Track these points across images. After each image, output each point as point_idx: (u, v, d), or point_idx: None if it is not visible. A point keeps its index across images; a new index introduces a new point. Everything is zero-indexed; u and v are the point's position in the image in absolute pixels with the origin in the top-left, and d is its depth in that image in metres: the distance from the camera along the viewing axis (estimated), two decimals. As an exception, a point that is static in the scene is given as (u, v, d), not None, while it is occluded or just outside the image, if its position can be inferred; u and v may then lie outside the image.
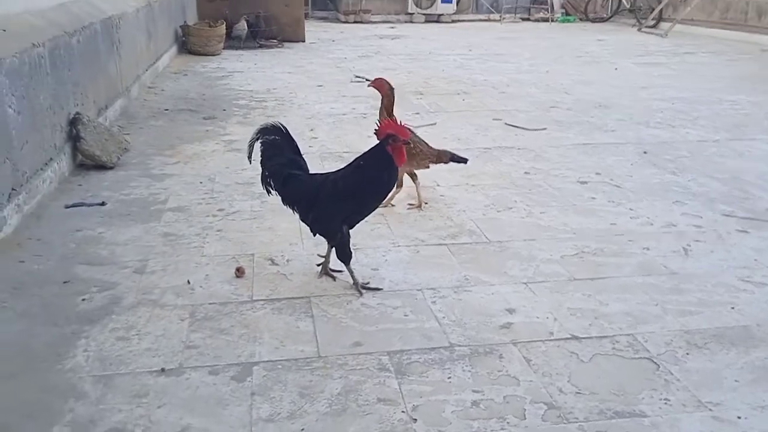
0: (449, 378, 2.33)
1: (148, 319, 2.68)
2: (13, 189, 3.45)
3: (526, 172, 4.51)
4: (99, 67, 5.22)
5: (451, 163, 3.87)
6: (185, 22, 9.64)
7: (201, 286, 2.94)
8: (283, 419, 2.11)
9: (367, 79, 7.72)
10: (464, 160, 3.83)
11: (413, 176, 3.85)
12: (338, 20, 14.85)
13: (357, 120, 5.82)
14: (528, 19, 15.52)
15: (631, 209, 3.86)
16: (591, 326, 2.65)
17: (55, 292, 2.88)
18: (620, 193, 4.12)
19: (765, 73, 8.51)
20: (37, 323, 2.64)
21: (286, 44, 10.54)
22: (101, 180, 4.24)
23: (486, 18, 15.41)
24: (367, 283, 2.98)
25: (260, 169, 3.00)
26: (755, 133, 5.54)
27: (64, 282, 2.95)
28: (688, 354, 2.48)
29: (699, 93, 7.14)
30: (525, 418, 2.13)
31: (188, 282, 2.97)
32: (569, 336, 2.58)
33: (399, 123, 2.94)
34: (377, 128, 3.03)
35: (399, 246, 3.38)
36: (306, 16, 12.22)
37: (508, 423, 2.10)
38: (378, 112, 3.86)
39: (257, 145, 3.00)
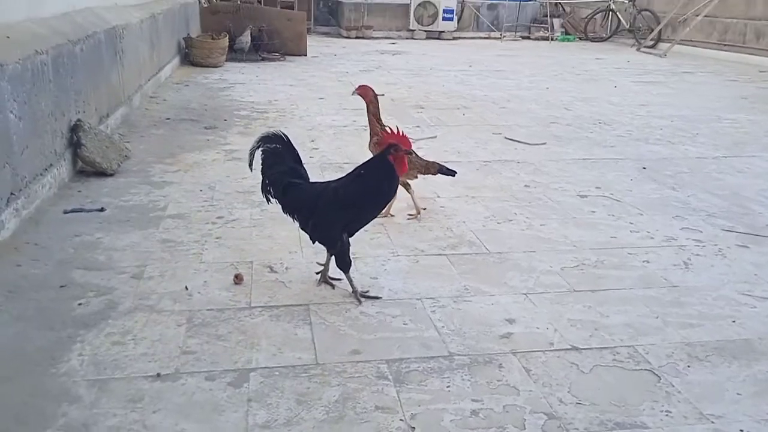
0: (448, 387, 2.30)
1: (145, 324, 2.65)
2: (12, 193, 3.44)
3: (526, 185, 4.51)
4: (101, 76, 5.23)
5: (452, 177, 3.86)
6: (188, 34, 9.69)
7: (199, 292, 2.92)
8: (279, 426, 2.08)
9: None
10: (452, 173, 3.83)
11: (406, 186, 3.84)
12: (340, 35, 14.95)
13: (358, 132, 5.82)
14: (528, 38, 15.64)
15: (631, 223, 3.86)
16: (591, 337, 2.63)
17: (51, 296, 2.86)
18: (620, 207, 4.11)
19: (763, 93, 8.56)
20: (32, 327, 2.61)
21: (288, 58, 10.59)
22: (101, 186, 4.23)
23: (486, 36, 15.53)
24: (367, 291, 2.96)
25: (261, 177, 2.99)
26: (755, 151, 5.55)
27: (61, 286, 2.93)
28: (689, 366, 2.46)
29: (698, 111, 7.18)
30: (525, 428, 2.10)
31: (186, 288, 2.95)
32: (569, 347, 2.56)
33: (401, 133, 2.94)
34: (380, 138, 3.03)
35: (398, 255, 3.37)
36: (308, 30, 12.31)
37: (507, 432, 2.08)
38: (367, 120, 3.88)
39: (258, 154, 3.00)
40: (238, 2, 11.20)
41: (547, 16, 15.70)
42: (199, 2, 11.01)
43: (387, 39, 14.67)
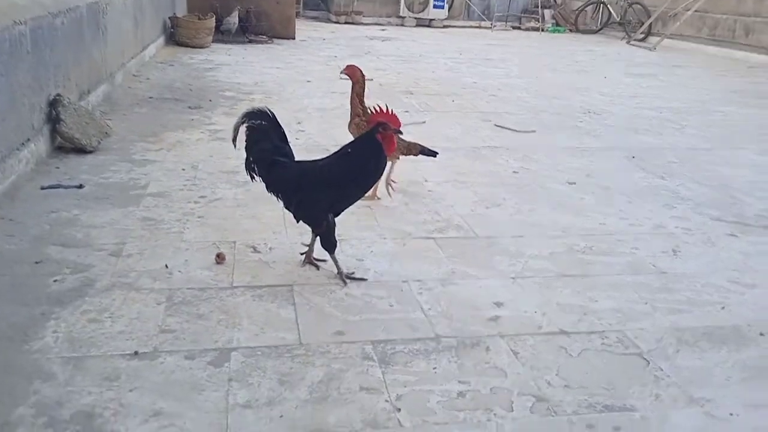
0: (435, 368, 2.25)
1: (123, 302, 2.57)
2: (-14, 167, 3.32)
3: (514, 172, 4.46)
4: (83, 51, 5.09)
5: (434, 157, 3.80)
6: (174, 13, 9.52)
7: (179, 271, 2.84)
8: (261, 405, 2.02)
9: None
10: (434, 154, 3.77)
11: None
12: (329, 20, 14.79)
13: (345, 115, 5.65)
14: (519, 28, 15.59)
15: (620, 210, 3.82)
16: (580, 322, 2.59)
17: (26, 272, 2.76)
18: (609, 195, 4.08)
19: (752, 87, 8.58)
20: (5, 303, 2.52)
21: (276, 41, 10.45)
22: (80, 163, 4.12)
23: (477, 25, 15.45)
24: (352, 273, 2.89)
25: (245, 154, 2.90)
26: (744, 143, 5.55)
27: (36, 262, 2.83)
28: (678, 351, 2.42)
29: (687, 104, 7.17)
30: (512, 410, 2.05)
31: (166, 266, 2.87)
32: (558, 330, 2.52)
33: (390, 112, 2.87)
34: (369, 116, 2.96)
35: (385, 238, 3.30)
36: (297, 14, 12.15)
37: (495, 414, 2.03)
38: (350, 100, 3.81)
39: (243, 130, 2.91)
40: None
41: (538, 6, 15.65)
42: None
43: (377, 25, 14.53)
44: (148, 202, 3.58)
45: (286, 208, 2.91)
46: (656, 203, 3.97)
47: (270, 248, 3.11)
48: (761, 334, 2.56)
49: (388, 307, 2.64)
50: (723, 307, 2.76)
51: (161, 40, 8.92)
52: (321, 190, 2.80)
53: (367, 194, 3.49)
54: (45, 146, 4.14)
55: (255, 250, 3.09)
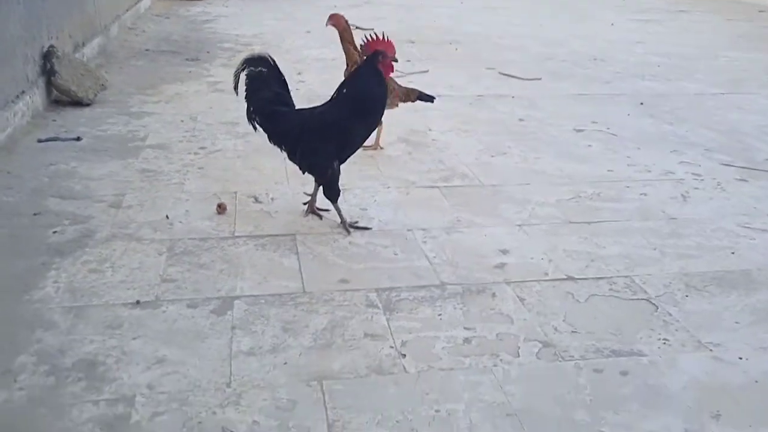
0: (440, 315, 2.22)
1: (123, 252, 2.54)
2: (-20, 119, 3.26)
3: (520, 119, 4.37)
4: (75, 1, 4.95)
5: (431, 103, 3.70)
6: (169, -36, 9.24)
7: (180, 222, 2.80)
8: (265, 353, 2.00)
9: (358, 27, 7.48)
10: (431, 99, 3.68)
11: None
12: (328, -29, 14.38)
13: (344, 65, 5.60)
14: (522, -24, 15.14)
15: (628, 157, 3.75)
16: (587, 268, 2.55)
17: (24, 224, 2.73)
18: (617, 142, 3.99)
19: (762, 32, 8.35)
20: (5, 254, 2.49)
21: (274, -8, 10.17)
22: (77, 116, 4.04)
23: (480, -27, 15.01)
24: (356, 222, 2.85)
25: (245, 104, 2.82)
26: (753, 88, 5.42)
27: (35, 214, 2.80)
28: (687, 296, 2.39)
29: (696, 49, 6.98)
30: (519, 356, 2.03)
31: (167, 217, 2.83)
32: (565, 276, 2.48)
33: (386, 39, 2.76)
34: (363, 43, 2.84)
35: (389, 187, 3.25)
36: (295, -36, 11.79)
37: (501, 360, 2.01)
38: (343, 49, 3.66)
39: (243, 78, 2.82)
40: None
41: (542, -47, 15.18)
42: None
43: (377, -25, 14.13)
44: (147, 153, 3.52)
45: (290, 158, 2.84)
46: (665, 149, 3.89)
47: (272, 198, 3.07)
48: (771, 278, 2.52)
49: (392, 256, 2.60)
50: (733, 252, 2.71)
51: (157, -9, 8.69)
52: (326, 136, 2.72)
53: (370, 143, 3.44)
54: (41, 99, 4.06)
55: (256, 200, 3.04)
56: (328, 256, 2.58)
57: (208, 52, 5.96)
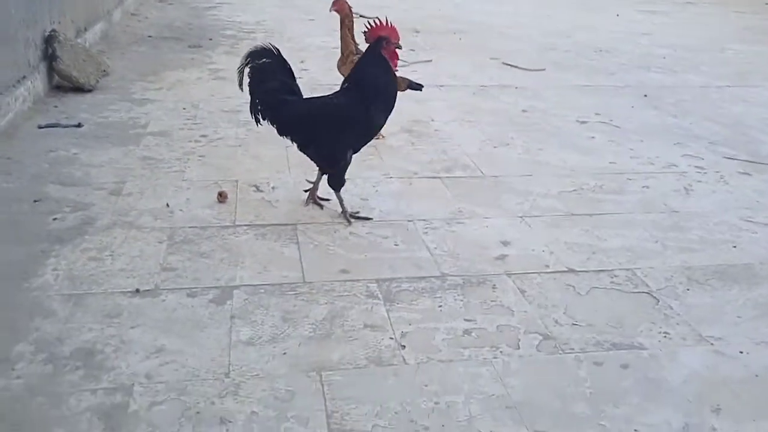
0: (440, 306, 2.21)
1: (124, 240, 2.53)
2: (-19, 104, 3.24)
3: (523, 110, 4.34)
4: (77, -14, 4.91)
5: (419, 91, 3.66)
6: (171, -50, 9.17)
7: (181, 210, 2.79)
8: (264, 343, 1.99)
9: (362, 16, 7.43)
10: (420, 87, 3.62)
11: None
12: (332, -41, 14.27)
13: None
14: (528, -34, 15.02)
15: (631, 149, 3.72)
16: (589, 260, 2.54)
17: (24, 210, 2.72)
18: (620, 134, 3.97)
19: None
20: (4, 241, 2.48)
21: (277, -21, 10.10)
22: (78, 102, 4.02)
23: (485, -38, 14.89)
24: (357, 212, 2.84)
25: (249, 96, 2.75)
26: (758, 81, 5.38)
27: (35, 201, 2.78)
28: (688, 290, 2.38)
29: (701, 41, 6.93)
30: (519, 348, 2.02)
31: (167, 205, 2.82)
32: (566, 269, 2.47)
33: (390, 24, 2.72)
34: (366, 30, 2.78)
35: (391, 177, 3.23)
36: (298, -49, 11.70)
37: (501, 352, 2.00)
38: (341, 37, 3.63)
39: (246, 71, 2.75)
40: None
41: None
42: None
43: (381, -37, 14.03)
44: (148, 141, 3.51)
45: (302, 150, 2.79)
46: (668, 142, 3.87)
47: (273, 187, 3.05)
48: (774, 273, 2.51)
49: (393, 246, 2.59)
50: (735, 246, 2.70)
51: (159, -23, 8.62)
52: (343, 126, 2.66)
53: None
54: (42, 84, 4.04)
55: (257, 189, 3.03)
56: (328, 246, 2.57)
57: (210, 39, 5.92)
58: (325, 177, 2.83)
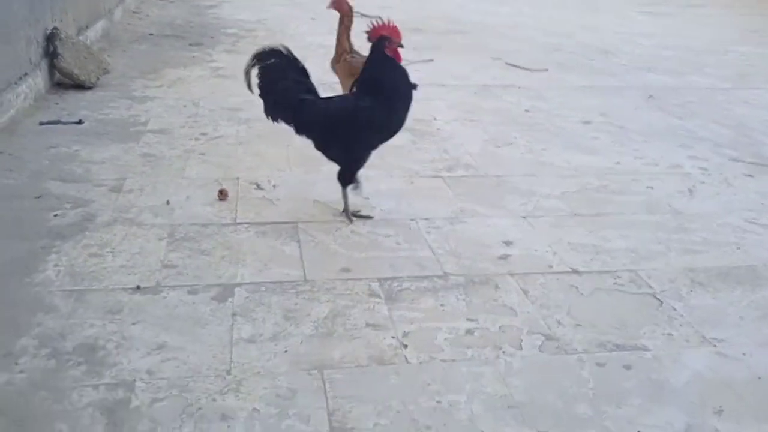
0: (442, 306, 2.20)
1: (124, 237, 2.52)
2: (-18, 100, 3.23)
3: (526, 110, 4.33)
4: (79, -17, 4.91)
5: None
6: (174, -52, 9.16)
7: (181, 207, 2.78)
8: (265, 340, 1.98)
9: (363, 15, 7.42)
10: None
11: None
12: (334, -42, 14.27)
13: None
14: (530, -33, 15.02)
15: (635, 150, 3.71)
16: (592, 261, 2.53)
17: (25, 206, 2.71)
18: (624, 135, 3.96)
19: (772, 27, 8.27)
20: (6, 237, 2.47)
21: (280, -22, 10.09)
22: (79, 99, 4.01)
23: (487, -37, 14.88)
24: (358, 211, 2.82)
25: (260, 97, 2.69)
26: (762, 83, 5.37)
27: (36, 197, 2.77)
28: (692, 291, 2.37)
29: (706, 43, 6.92)
30: (521, 348, 2.01)
31: (167, 202, 2.80)
32: (569, 269, 2.46)
33: (391, 24, 2.69)
34: (368, 29, 2.73)
35: (392, 176, 3.22)
36: (301, -49, 11.69)
37: (503, 352, 1.99)
38: (337, 35, 3.59)
39: (256, 72, 2.68)
40: None
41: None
42: None
43: (383, -37, 14.02)
44: (148, 138, 3.50)
45: (319, 148, 2.73)
46: (673, 143, 3.85)
47: (274, 185, 3.04)
48: (777, 275, 2.50)
49: (395, 245, 2.58)
50: (738, 248, 2.69)
51: (161, -25, 8.61)
52: (370, 128, 2.62)
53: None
54: (43, 81, 4.03)
55: (258, 187, 3.02)
56: (330, 245, 2.56)
57: (211, 37, 5.91)
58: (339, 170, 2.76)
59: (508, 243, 2.64)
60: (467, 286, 2.32)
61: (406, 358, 1.93)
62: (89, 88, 4.17)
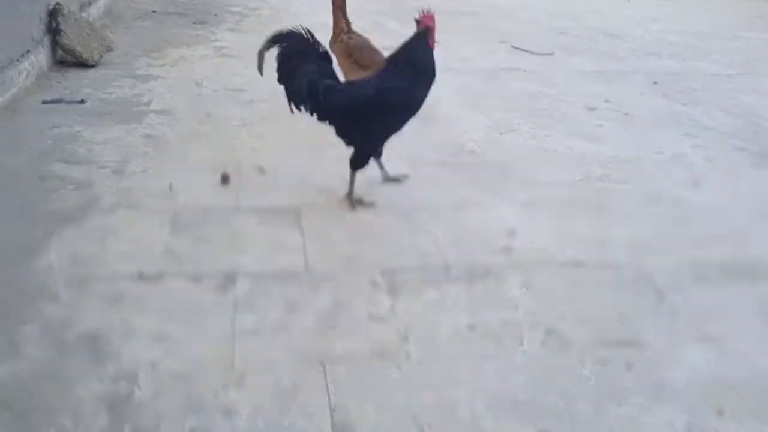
0: (444, 299, 2.20)
1: (127, 221, 2.51)
2: (-17, 78, 3.21)
3: (531, 96, 4.29)
4: (81, -42, 4.84)
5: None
6: None
7: (184, 191, 2.77)
8: (267, 331, 1.99)
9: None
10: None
11: None
12: (339, -68, 14.04)
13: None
14: (538, -56, 14.79)
15: (639, 138, 3.69)
16: (595, 253, 2.52)
17: (27, 188, 2.70)
18: (629, 122, 3.93)
19: (781, 11, 8.17)
20: (8, 220, 2.47)
21: (284, -48, 9.95)
22: (82, 78, 3.98)
23: (494, -61, 14.66)
24: (360, 198, 2.81)
25: (281, 82, 2.64)
26: (770, 70, 5.32)
27: (38, 178, 2.76)
28: (694, 286, 2.36)
29: (712, 28, 6.84)
30: (523, 343, 2.01)
31: (170, 186, 2.79)
32: (571, 262, 2.46)
33: (433, 17, 2.68)
34: (420, 16, 2.71)
35: (395, 163, 3.18)
36: (305, -76, 11.51)
37: (505, 347, 1.99)
38: (332, 15, 3.57)
39: (276, 56, 2.62)
40: None
41: None
42: None
43: (389, -62, 13.81)
44: (151, 119, 3.47)
45: (341, 134, 2.70)
46: (678, 131, 3.83)
47: (277, 170, 3.02)
48: (781, 270, 2.49)
49: (397, 235, 2.58)
50: (743, 241, 2.68)
51: (164, -52, 8.49)
52: (401, 110, 2.63)
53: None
54: (46, 59, 3.99)
55: (261, 171, 3.00)
56: (332, 233, 2.56)
57: (215, 15, 5.85)
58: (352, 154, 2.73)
59: (510, 234, 2.63)
60: (469, 278, 2.32)
61: (408, 353, 1.94)
62: (92, 66, 4.13)
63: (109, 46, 4.39)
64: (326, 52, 2.70)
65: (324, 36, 5.34)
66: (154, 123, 3.42)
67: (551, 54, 5.33)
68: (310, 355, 1.90)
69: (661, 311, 2.22)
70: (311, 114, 2.65)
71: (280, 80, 2.64)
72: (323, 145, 2.96)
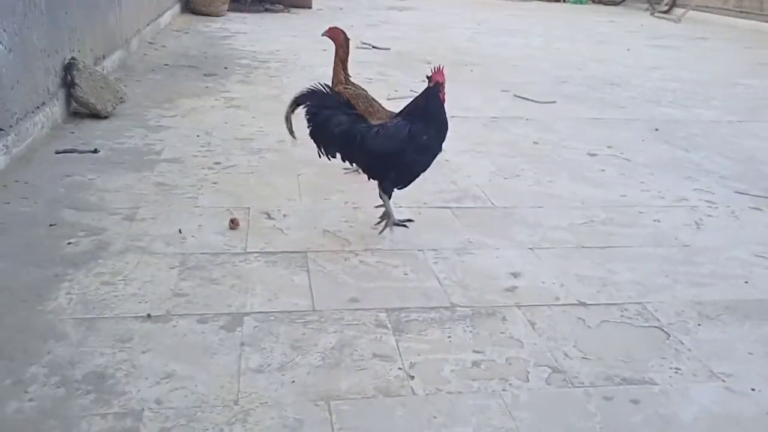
0: (449, 337, 2.21)
1: (136, 265, 2.56)
2: (1, 129, 3.31)
3: (534, 142, 4.37)
4: (98, 15, 5.04)
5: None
6: (190, -19, 9.41)
7: (193, 236, 2.82)
8: (273, 370, 2.00)
9: (374, 46, 7.54)
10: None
11: None
12: (346, -10, 14.54)
13: (362, 84, 5.63)
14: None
15: (642, 182, 3.73)
16: (599, 293, 2.54)
17: (40, 234, 2.75)
18: (631, 167, 3.98)
19: (779, 60, 8.33)
20: (20, 264, 2.52)
21: (293, 10, 10.32)
22: (95, 128, 4.10)
23: (497, -4, 15.11)
24: (399, 220, 2.98)
25: (313, 137, 2.80)
26: (770, 116, 5.40)
27: (50, 225, 2.83)
28: (699, 325, 2.36)
29: (712, 76, 6.98)
30: (528, 381, 2.01)
31: (179, 231, 2.85)
32: (576, 302, 2.47)
33: (443, 72, 2.85)
34: (431, 72, 2.89)
35: (400, 207, 3.24)
36: (314, -17, 11.95)
37: (510, 384, 1.99)
38: (333, 66, 3.68)
39: (306, 115, 2.79)
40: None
41: (559, -23, 15.26)
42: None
43: (394, -5, 14.28)
44: (162, 167, 3.56)
45: (374, 177, 2.87)
46: (679, 176, 3.88)
47: (284, 215, 3.08)
48: (786, 309, 2.49)
49: (402, 276, 2.60)
50: (746, 281, 2.69)
51: (177, 7, 8.83)
52: (425, 150, 2.80)
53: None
54: (60, 111, 4.12)
55: (269, 216, 3.06)
56: (338, 275, 2.59)
57: (225, 67, 6.03)
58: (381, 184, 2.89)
59: (515, 275, 2.65)
60: (474, 317, 2.33)
61: (412, 390, 1.94)
62: (105, 117, 4.26)
63: (122, 98, 4.53)
64: (348, 101, 2.90)
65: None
66: (165, 171, 3.51)
67: (553, 102, 5.45)
68: (315, 392, 1.90)
69: (667, 349, 2.21)
70: (343, 160, 2.87)
71: (313, 135, 2.82)
72: (329, 192, 3.03)
